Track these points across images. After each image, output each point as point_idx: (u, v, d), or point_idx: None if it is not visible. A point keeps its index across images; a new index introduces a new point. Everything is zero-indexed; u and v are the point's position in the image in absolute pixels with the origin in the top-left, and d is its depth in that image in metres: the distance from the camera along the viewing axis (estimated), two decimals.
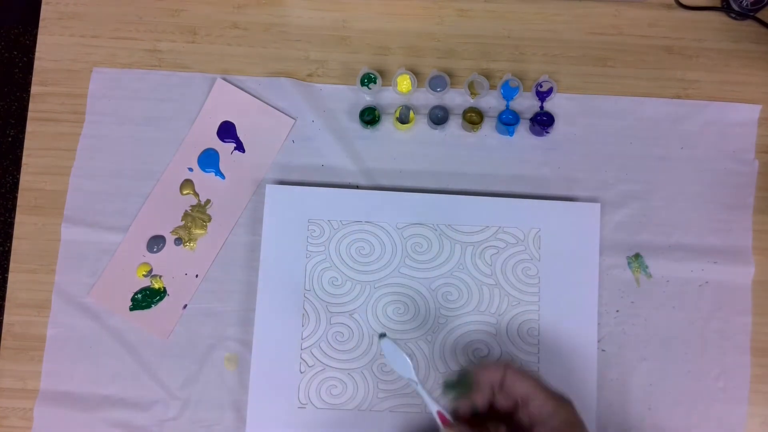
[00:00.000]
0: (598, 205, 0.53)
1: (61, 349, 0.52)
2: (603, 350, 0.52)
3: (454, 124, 0.55)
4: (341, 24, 0.56)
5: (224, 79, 0.55)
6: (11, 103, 1.24)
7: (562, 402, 0.41)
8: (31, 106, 0.55)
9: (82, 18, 0.56)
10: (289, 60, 0.56)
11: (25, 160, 0.54)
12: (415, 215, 0.52)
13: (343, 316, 0.51)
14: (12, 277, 0.53)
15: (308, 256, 0.51)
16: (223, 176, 0.54)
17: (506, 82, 0.54)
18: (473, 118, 0.54)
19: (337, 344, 0.51)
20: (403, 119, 0.53)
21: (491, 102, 0.55)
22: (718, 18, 0.56)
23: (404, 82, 0.54)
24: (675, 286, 0.53)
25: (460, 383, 0.42)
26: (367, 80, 0.53)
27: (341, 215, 0.52)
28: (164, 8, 0.56)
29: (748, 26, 0.56)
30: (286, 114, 0.55)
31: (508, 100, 0.54)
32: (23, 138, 0.55)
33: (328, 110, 0.55)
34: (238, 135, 0.54)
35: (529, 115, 0.54)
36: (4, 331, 0.52)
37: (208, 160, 0.54)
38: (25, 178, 0.54)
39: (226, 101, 0.54)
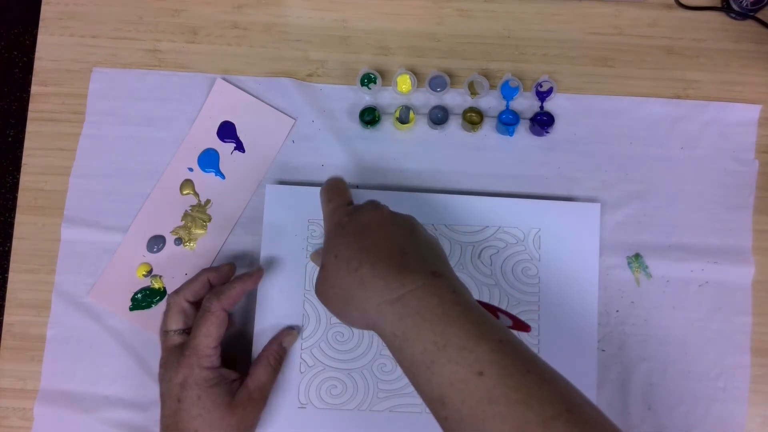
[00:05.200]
0: (598, 205, 0.52)
1: (61, 349, 0.52)
2: (603, 350, 0.52)
3: (454, 124, 0.55)
4: (341, 24, 0.56)
5: (224, 79, 0.55)
6: (11, 103, 1.24)
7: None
8: (31, 106, 0.55)
9: (82, 18, 0.56)
10: (289, 60, 0.56)
11: (25, 160, 0.54)
12: (415, 215, 0.52)
13: None
14: (12, 277, 0.53)
15: (308, 256, 0.51)
16: (223, 176, 0.54)
17: (506, 82, 0.54)
18: (473, 118, 0.54)
19: (337, 344, 0.51)
20: (403, 119, 0.53)
21: (491, 102, 0.55)
22: (718, 18, 0.56)
23: (404, 82, 0.54)
24: (675, 286, 0.53)
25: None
26: (367, 80, 0.53)
27: None
28: (164, 8, 0.56)
29: (748, 26, 0.56)
30: (286, 114, 0.55)
31: (508, 100, 0.54)
32: (23, 138, 0.55)
33: (328, 110, 0.55)
34: (238, 135, 0.54)
35: (529, 115, 0.54)
36: (4, 331, 0.52)
37: (208, 160, 0.54)
38: (25, 178, 0.54)
39: (226, 101, 0.54)
